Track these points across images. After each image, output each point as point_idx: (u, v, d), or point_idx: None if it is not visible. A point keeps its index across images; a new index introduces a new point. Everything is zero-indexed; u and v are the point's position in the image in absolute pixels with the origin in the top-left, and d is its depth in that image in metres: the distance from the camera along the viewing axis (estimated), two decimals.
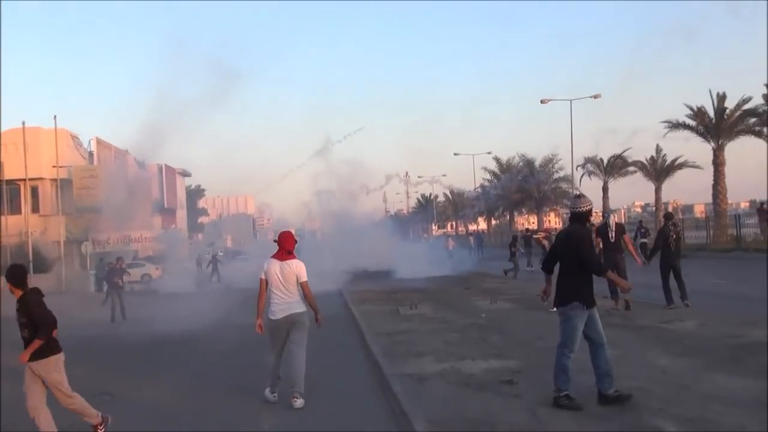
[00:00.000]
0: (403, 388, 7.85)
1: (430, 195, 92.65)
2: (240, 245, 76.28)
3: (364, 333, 12.68)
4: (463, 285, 22.78)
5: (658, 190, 44.45)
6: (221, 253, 56.61)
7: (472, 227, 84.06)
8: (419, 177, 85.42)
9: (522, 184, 59.75)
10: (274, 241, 8.05)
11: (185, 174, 72.02)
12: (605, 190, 48.42)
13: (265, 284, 7.82)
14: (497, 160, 63.89)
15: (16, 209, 43.60)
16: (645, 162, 44.72)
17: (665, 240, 14.13)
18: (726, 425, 5.91)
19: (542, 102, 48.41)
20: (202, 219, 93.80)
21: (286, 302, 7.75)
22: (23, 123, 36.68)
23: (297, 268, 7.77)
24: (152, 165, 57.60)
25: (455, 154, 71.84)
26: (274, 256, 7.84)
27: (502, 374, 8.28)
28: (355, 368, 10.05)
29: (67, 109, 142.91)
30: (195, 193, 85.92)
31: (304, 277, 7.77)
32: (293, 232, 8.65)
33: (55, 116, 38.73)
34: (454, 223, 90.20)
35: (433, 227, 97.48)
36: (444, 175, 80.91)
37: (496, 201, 63.45)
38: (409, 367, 9.12)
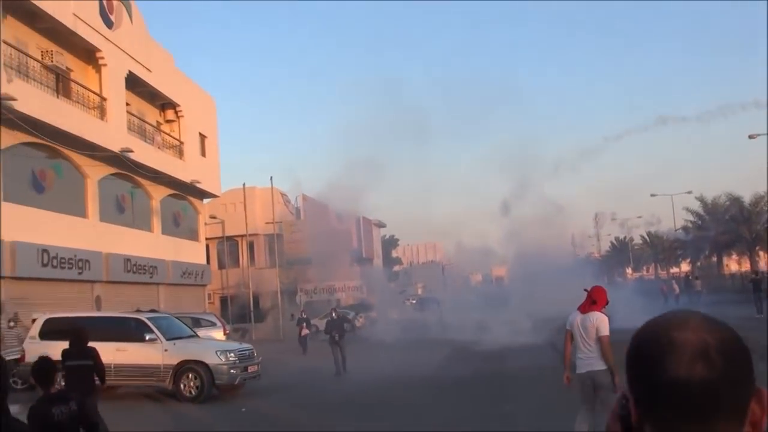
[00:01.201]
0: None
1: (626, 237, 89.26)
2: (431, 292, 77.50)
3: None
4: None
5: None
6: (413, 301, 57.91)
7: (674, 271, 79.75)
8: (613, 219, 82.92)
9: (730, 224, 56.09)
10: (585, 290, 7.87)
11: (381, 225, 74.81)
12: None
13: (570, 336, 7.78)
14: (701, 199, 60.59)
15: (235, 263, 47.64)
16: None
17: None
18: None
19: (750, 137, 45.54)
20: (396, 268, 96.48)
21: (587, 357, 7.56)
22: (244, 185, 40.07)
23: (598, 321, 7.48)
24: (351, 217, 60.52)
25: (652, 195, 68.45)
26: (579, 308, 7.72)
27: None
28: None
29: (273, 164, 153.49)
30: (389, 243, 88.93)
31: (603, 332, 7.43)
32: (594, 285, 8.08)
33: (271, 177, 42.74)
34: (652, 267, 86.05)
35: (629, 271, 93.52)
36: (639, 217, 77.59)
37: (702, 243, 59.95)
38: None
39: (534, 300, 30.48)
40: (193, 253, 35.57)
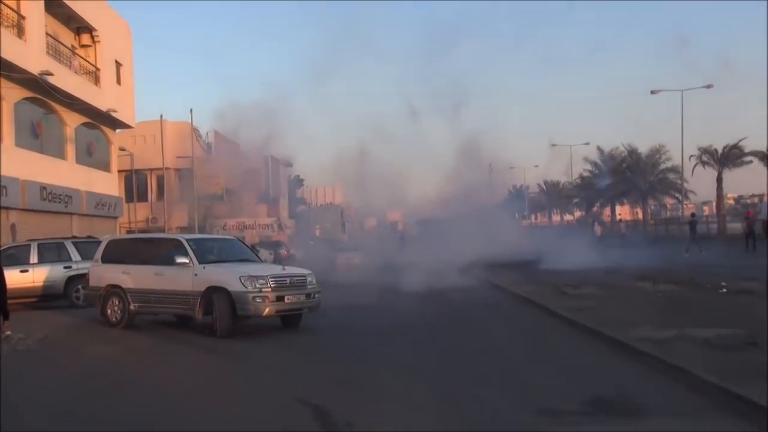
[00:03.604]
0: (653, 350, 8.50)
1: (521, 185, 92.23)
2: (330, 234, 77.02)
3: (554, 310, 13.29)
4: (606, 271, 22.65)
5: None
6: (311, 242, 57.18)
7: (568, 218, 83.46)
8: (511, 167, 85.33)
9: (626, 173, 59.20)
10: None
11: (288, 164, 74.19)
12: (719, 180, 47.98)
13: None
14: (600, 149, 63.53)
15: (143, 197, 46.39)
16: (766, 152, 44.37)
17: None
18: None
19: (652, 92, 48.09)
20: (301, 208, 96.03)
21: None
22: (161, 116, 38.93)
23: None
24: (260, 154, 59.58)
25: (552, 145, 71.03)
26: None
27: (737, 339, 8.89)
28: (573, 338, 10.85)
29: (186, 98, 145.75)
30: (295, 183, 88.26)
31: None
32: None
33: (191, 110, 41.82)
34: (547, 214, 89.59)
35: (520, 217, 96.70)
36: (536, 166, 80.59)
37: (597, 192, 63.06)
38: (635, 333, 9.72)
39: (456, 244, 29.59)
40: (106, 184, 34.38)
